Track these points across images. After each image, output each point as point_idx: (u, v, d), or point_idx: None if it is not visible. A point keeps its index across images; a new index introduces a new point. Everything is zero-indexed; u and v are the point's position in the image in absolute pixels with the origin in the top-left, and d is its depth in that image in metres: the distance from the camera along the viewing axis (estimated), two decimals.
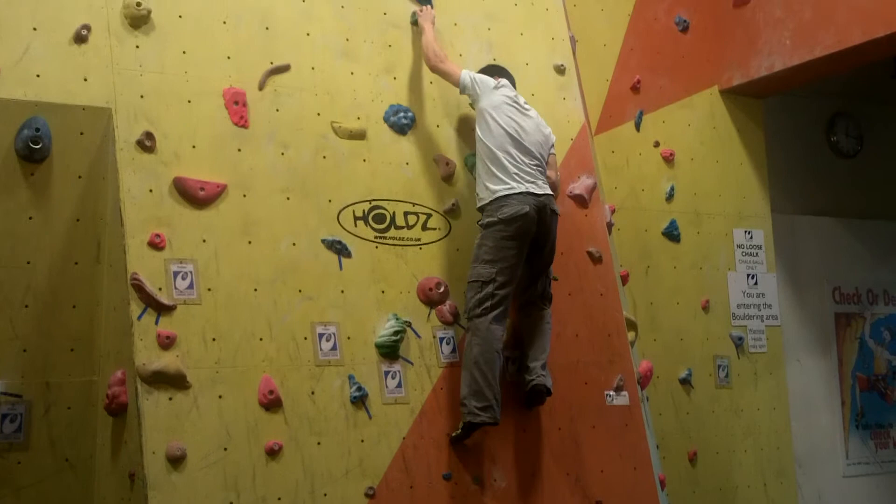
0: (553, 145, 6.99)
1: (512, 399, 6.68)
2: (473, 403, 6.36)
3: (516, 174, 6.59)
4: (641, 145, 8.97)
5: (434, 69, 6.97)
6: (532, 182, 6.62)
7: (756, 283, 9.42)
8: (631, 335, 7.53)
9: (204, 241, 6.12)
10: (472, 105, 6.95)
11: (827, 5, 8.67)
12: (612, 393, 7.09)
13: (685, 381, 8.78)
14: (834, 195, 10.34)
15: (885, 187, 10.64)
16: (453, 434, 6.48)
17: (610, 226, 7.73)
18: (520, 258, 6.60)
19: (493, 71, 7.07)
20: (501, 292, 6.49)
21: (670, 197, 8.99)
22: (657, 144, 9.03)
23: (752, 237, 9.45)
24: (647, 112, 9.01)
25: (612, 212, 8.16)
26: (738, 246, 9.37)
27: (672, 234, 8.96)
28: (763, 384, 9.23)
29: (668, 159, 9.05)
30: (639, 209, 8.85)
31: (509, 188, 6.56)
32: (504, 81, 6.88)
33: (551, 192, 6.77)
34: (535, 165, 6.71)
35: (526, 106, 6.87)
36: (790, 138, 10.09)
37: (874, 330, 10.43)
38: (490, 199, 6.61)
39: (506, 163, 6.60)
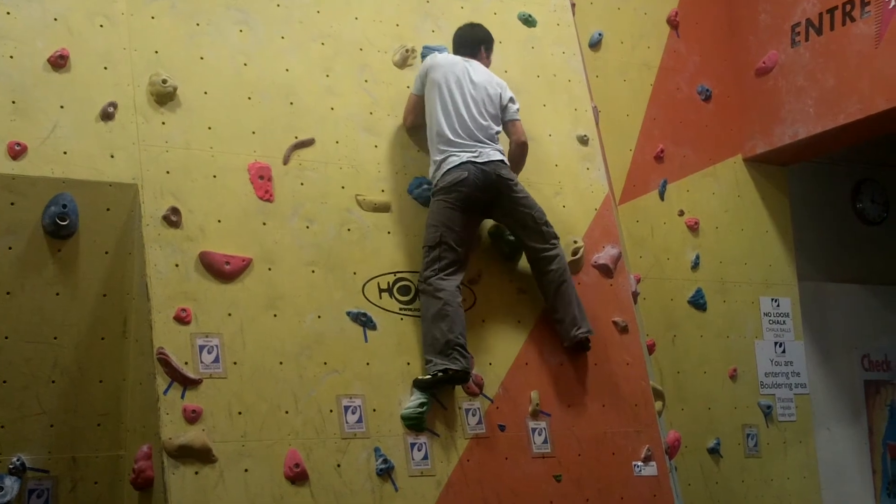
0: (510, 104, 6.97)
1: (539, 472, 6.64)
2: (438, 358, 6.40)
3: (455, 147, 6.68)
4: (666, 214, 8.99)
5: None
6: (472, 151, 6.70)
7: (784, 352, 9.36)
8: (658, 405, 7.48)
9: (229, 315, 6.13)
10: None
11: (850, 74, 8.69)
12: (640, 464, 7.03)
13: (714, 451, 8.72)
14: (861, 262, 10.29)
15: None
16: (421, 377, 6.46)
17: (635, 295, 7.71)
18: (467, 223, 6.72)
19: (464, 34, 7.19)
20: (450, 255, 6.56)
21: (696, 266, 8.99)
22: (682, 213, 9.04)
23: (778, 305, 9.41)
24: (671, 181, 9.04)
25: (638, 281, 8.15)
26: (765, 314, 9.33)
27: (698, 302, 8.95)
28: (793, 453, 9.15)
29: (693, 228, 9.05)
30: (664, 278, 8.85)
31: (448, 160, 6.68)
32: (436, 55, 7.02)
33: (498, 159, 6.79)
34: (478, 134, 6.76)
35: (471, 69, 6.91)
36: (815, 205, 10.07)
37: None
38: (434, 169, 6.75)
39: (444, 137, 6.71)
